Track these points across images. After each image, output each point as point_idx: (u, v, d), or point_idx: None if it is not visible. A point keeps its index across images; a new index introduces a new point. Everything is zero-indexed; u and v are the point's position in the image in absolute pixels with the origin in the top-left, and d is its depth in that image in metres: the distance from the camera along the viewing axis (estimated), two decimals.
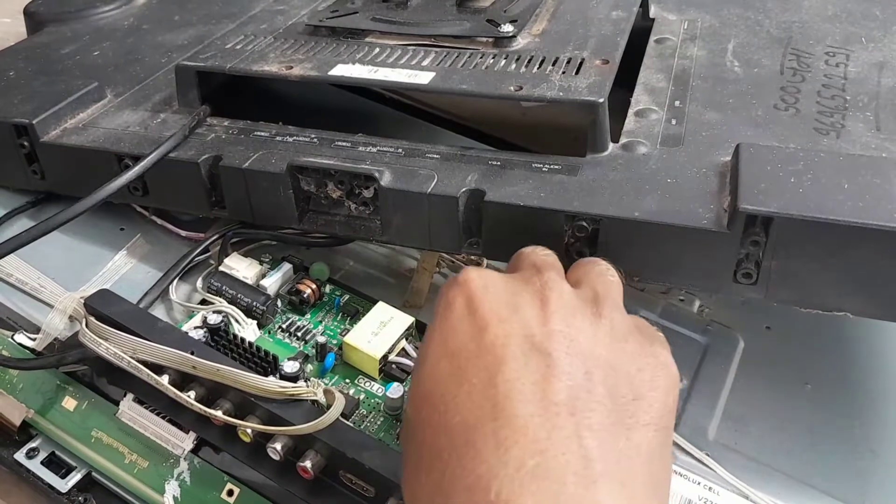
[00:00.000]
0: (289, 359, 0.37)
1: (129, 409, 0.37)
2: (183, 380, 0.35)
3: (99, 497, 0.39)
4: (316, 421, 0.31)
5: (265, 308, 0.41)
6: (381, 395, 0.37)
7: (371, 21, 0.48)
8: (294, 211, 0.40)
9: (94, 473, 0.40)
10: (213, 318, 0.38)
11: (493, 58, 0.43)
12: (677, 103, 0.42)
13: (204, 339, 0.37)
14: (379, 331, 0.38)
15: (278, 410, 0.33)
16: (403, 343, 0.39)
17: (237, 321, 0.40)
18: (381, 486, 0.31)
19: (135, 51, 0.55)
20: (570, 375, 0.25)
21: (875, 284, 0.32)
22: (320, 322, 0.41)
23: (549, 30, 0.47)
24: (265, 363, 0.37)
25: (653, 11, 0.52)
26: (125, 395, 0.37)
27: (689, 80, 0.44)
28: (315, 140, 0.42)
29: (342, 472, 0.33)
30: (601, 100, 0.38)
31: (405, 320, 0.39)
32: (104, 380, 0.39)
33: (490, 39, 0.45)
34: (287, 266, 0.43)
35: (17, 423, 0.40)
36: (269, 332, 0.41)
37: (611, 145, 0.39)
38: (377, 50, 0.45)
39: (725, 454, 0.37)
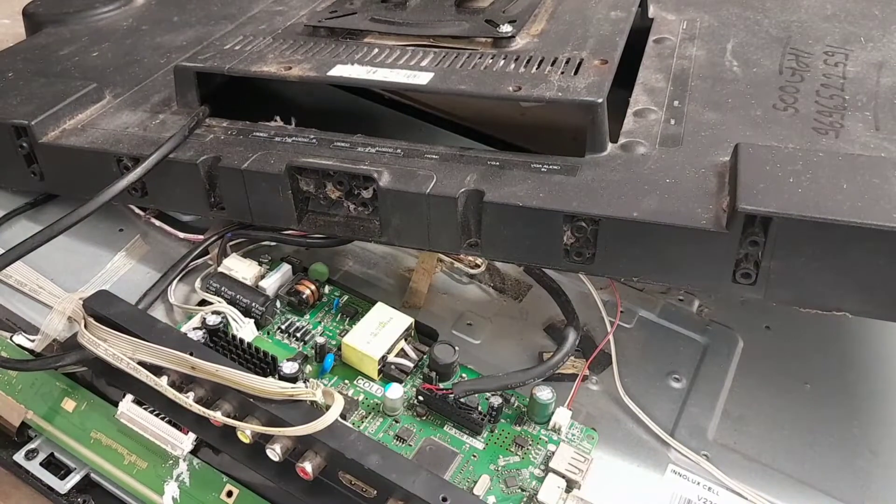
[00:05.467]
0: (288, 360, 0.37)
1: (129, 410, 0.37)
2: (182, 381, 0.35)
3: (98, 498, 0.39)
4: (315, 422, 0.31)
5: (264, 309, 0.40)
6: (380, 395, 0.37)
7: (370, 21, 0.48)
8: (293, 212, 0.40)
9: (93, 474, 0.40)
10: (212, 319, 0.38)
11: (492, 58, 0.43)
12: (676, 103, 0.42)
13: (203, 340, 0.37)
14: (378, 331, 0.38)
15: (277, 411, 0.33)
16: (402, 344, 0.39)
17: (236, 322, 0.40)
18: (381, 487, 0.31)
19: (134, 52, 0.55)
20: None
21: (874, 284, 0.32)
22: (319, 323, 0.41)
23: (548, 30, 0.47)
24: (264, 364, 0.37)
25: (652, 11, 0.52)
26: (124, 396, 0.37)
27: (688, 80, 0.44)
28: (314, 140, 0.42)
29: (341, 473, 0.33)
30: (600, 100, 0.38)
31: (404, 321, 0.39)
32: (103, 381, 0.39)
33: (489, 40, 0.45)
34: (286, 267, 0.43)
35: (16, 424, 0.40)
36: (268, 333, 0.41)
37: (609, 145, 0.39)
38: (376, 50, 0.45)
39: (725, 454, 0.37)
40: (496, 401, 0.36)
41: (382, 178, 0.38)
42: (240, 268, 0.42)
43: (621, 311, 0.43)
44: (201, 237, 0.46)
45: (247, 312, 0.41)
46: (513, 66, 0.42)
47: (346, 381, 0.38)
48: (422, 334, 0.41)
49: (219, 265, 0.43)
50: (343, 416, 0.35)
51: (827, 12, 0.49)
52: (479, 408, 0.36)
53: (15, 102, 0.46)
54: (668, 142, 0.39)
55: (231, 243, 0.45)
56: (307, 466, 0.32)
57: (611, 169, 0.37)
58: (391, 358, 0.38)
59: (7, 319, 0.44)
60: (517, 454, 0.35)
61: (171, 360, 0.35)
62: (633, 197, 0.35)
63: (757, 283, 0.33)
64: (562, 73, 0.41)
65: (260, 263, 0.43)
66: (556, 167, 0.38)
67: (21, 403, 0.41)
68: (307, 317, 0.42)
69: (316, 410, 0.33)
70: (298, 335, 0.40)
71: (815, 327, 0.43)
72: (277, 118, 0.45)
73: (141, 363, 0.35)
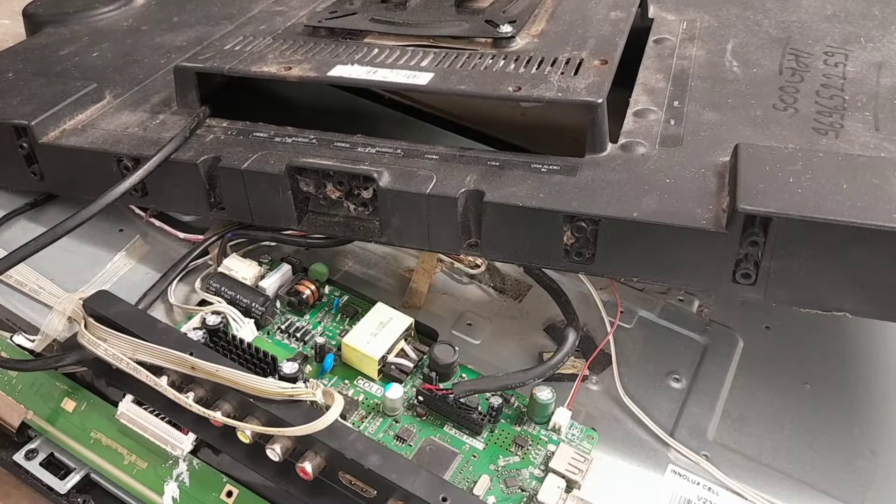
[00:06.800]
0: (288, 360, 0.37)
1: (128, 411, 0.37)
2: (182, 381, 0.35)
3: (98, 498, 0.39)
4: (314, 422, 0.31)
5: (264, 309, 0.40)
6: (379, 395, 0.37)
7: (370, 22, 0.48)
8: (293, 212, 0.40)
9: (93, 474, 0.40)
10: (212, 319, 0.38)
11: (492, 58, 0.43)
12: (676, 103, 0.42)
13: (203, 340, 0.37)
14: (378, 331, 0.38)
15: (277, 411, 0.33)
16: (402, 344, 0.39)
17: (236, 322, 0.40)
18: (381, 487, 0.31)
19: (134, 52, 0.55)
20: None
21: (874, 284, 0.32)
22: (319, 323, 0.41)
23: (548, 30, 0.47)
24: (264, 364, 0.37)
25: (652, 11, 0.52)
26: (124, 397, 0.37)
27: (688, 80, 0.44)
28: (314, 141, 0.42)
29: (341, 473, 0.33)
30: (600, 100, 0.38)
31: (404, 321, 0.39)
32: (103, 381, 0.39)
33: (489, 40, 0.45)
34: (286, 267, 0.43)
35: (16, 424, 0.40)
36: (268, 333, 0.41)
37: (609, 146, 0.39)
38: (376, 51, 0.45)
39: (725, 454, 0.37)
40: (496, 401, 0.36)
41: (382, 179, 0.38)
42: (240, 268, 0.42)
43: (621, 311, 0.43)
44: (201, 237, 0.46)
45: (247, 312, 0.41)
46: (513, 66, 0.42)
47: (346, 381, 0.38)
48: (422, 334, 0.41)
49: (219, 265, 0.43)
50: (343, 416, 0.35)
51: (827, 12, 0.49)
52: (479, 408, 0.36)
53: (15, 102, 0.47)
54: (668, 142, 0.39)
55: (231, 243, 0.45)
56: (307, 466, 0.32)
57: (611, 169, 0.37)
58: (391, 358, 0.38)
59: (7, 319, 0.44)
60: (517, 454, 0.35)
61: (171, 360, 0.35)
62: (632, 197, 0.35)
63: (757, 283, 0.33)
64: (562, 73, 0.41)
65: (260, 263, 0.43)
66: (556, 167, 0.38)
67: (21, 403, 0.41)
68: (307, 317, 0.42)
69: (316, 410, 0.33)
70: (298, 335, 0.40)
71: (815, 327, 0.43)
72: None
73: (141, 363, 0.35)
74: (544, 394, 0.36)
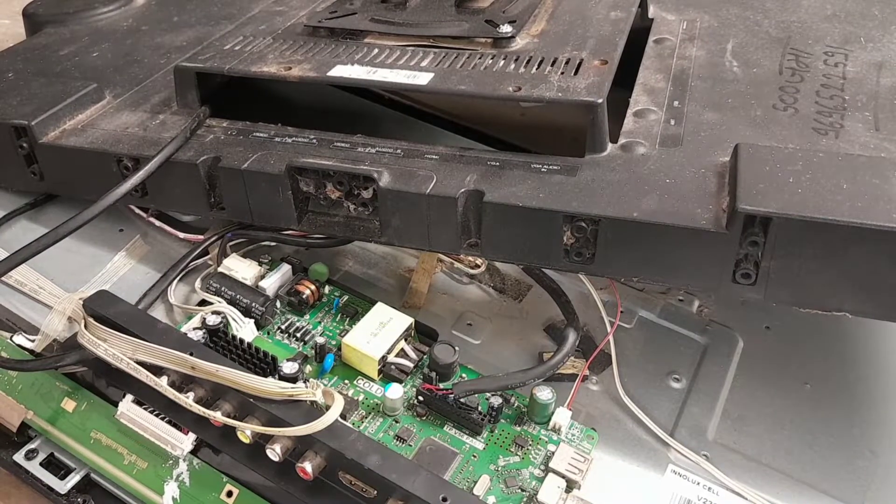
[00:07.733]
0: (288, 360, 0.37)
1: (129, 411, 0.37)
2: (182, 381, 0.35)
3: (98, 498, 0.39)
4: (314, 422, 0.31)
5: (264, 309, 0.41)
6: (379, 395, 0.37)
7: (370, 22, 0.48)
8: (293, 212, 0.40)
9: (93, 474, 0.40)
10: (212, 319, 0.38)
11: (492, 58, 0.43)
12: (676, 104, 0.42)
13: (203, 340, 0.37)
14: (378, 331, 0.38)
15: (277, 411, 0.33)
16: (402, 344, 0.39)
17: (236, 322, 0.40)
18: (381, 487, 0.31)
19: (134, 52, 0.55)
20: None
21: (874, 284, 0.32)
22: (319, 323, 0.41)
23: (548, 30, 0.47)
24: (264, 364, 0.37)
25: (652, 12, 0.52)
26: (124, 397, 0.37)
27: (688, 80, 0.44)
28: (314, 141, 0.42)
29: (341, 473, 0.33)
30: (600, 100, 0.38)
31: (404, 321, 0.39)
32: (103, 381, 0.39)
33: (489, 40, 0.45)
34: (286, 267, 0.43)
35: (16, 424, 0.40)
36: (268, 333, 0.41)
37: (609, 146, 0.39)
38: (376, 51, 0.45)
39: (725, 454, 0.37)
40: (496, 401, 0.36)
41: (382, 179, 0.38)
42: (240, 268, 0.42)
43: (621, 311, 0.43)
44: (201, 237, 0.46)
45: (247, 312, 0.41)
46: (513, 66, 0.42)
47: (346, 381, 0.38)
48: (422, 334, 0.41)
49: (219, 265, 0.43)
50: (343, 416, 0.35)
51: (827, 12, 0.49)
52: (479, 408, 0.36)
53: (15, 102, 0.47)
54: (668, 142, 0.39)
55: (231, 243, 0.45)
56: (307, 466, 0.32)
57: (611, 169, 0.37)
58: (391, 358, 0.38)
59: (7, 319, 0.44)
60: (517, 454, 0.35)
61: (171, 360, 0.35)
62: (632, 197, 0.35)
63: (757, 283, 0.33)
64: (562, 73, 0.41)
65: (260, 263, 0.43)
66: (556, 167, 0.38)
67: (21, 403, 0.41)
68: (307, 317, 0.42)
69: (316, 410, 0.33)
70: (298, 335, 0.40)
71: (815, 327, 0.43)
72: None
73: (141, 363, 0.35)
74: (544, 394, 0.36)
